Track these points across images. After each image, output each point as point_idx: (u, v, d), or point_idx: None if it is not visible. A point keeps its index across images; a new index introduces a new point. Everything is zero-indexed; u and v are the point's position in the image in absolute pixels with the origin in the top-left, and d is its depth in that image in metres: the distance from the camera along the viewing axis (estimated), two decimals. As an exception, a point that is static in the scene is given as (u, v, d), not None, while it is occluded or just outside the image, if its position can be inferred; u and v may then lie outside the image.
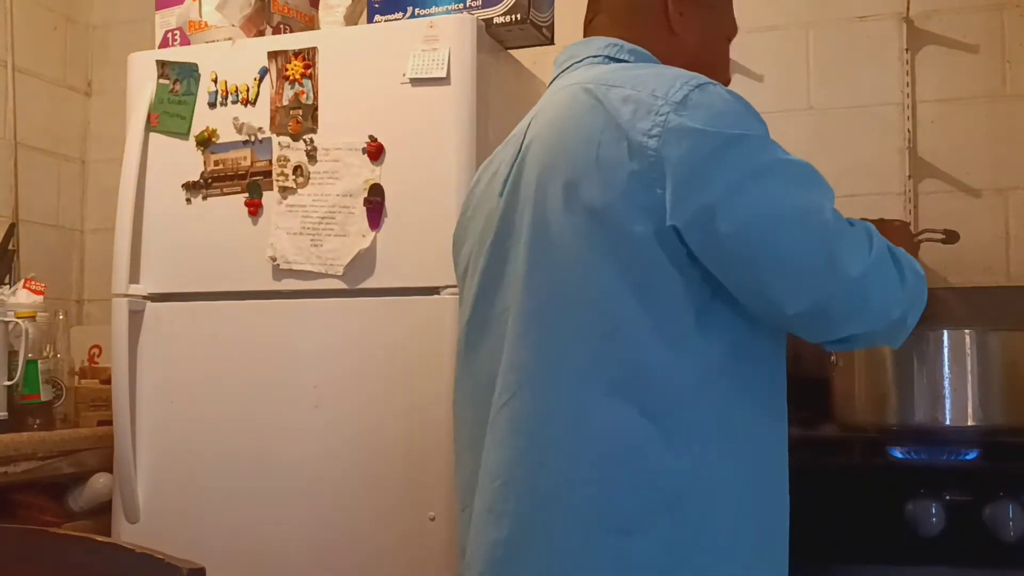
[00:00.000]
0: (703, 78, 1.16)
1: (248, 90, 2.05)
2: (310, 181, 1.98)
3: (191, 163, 2.09)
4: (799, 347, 1.89)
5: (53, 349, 2.23)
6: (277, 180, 2.01)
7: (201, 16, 2.20)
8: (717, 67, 1.31)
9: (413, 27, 1.95)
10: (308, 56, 2.01)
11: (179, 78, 2.11)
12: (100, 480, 2.16)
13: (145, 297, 2.10)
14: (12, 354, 2.10)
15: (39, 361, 2.15)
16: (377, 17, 2.09)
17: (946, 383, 1.61)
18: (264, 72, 2.04)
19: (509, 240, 1.24)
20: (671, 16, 1.28)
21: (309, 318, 1.97)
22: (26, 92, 2.76)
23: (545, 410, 1.16)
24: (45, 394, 2.16)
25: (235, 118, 2.06)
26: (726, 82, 1.30)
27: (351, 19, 2.16)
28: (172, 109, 2.11)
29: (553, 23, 2.08)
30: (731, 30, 1.38)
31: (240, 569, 1.91)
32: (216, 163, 2.07)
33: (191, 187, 2.09)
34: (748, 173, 1.09)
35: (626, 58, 1.27)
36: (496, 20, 1.99)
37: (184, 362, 2.06)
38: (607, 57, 1.28)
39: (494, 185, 1.31)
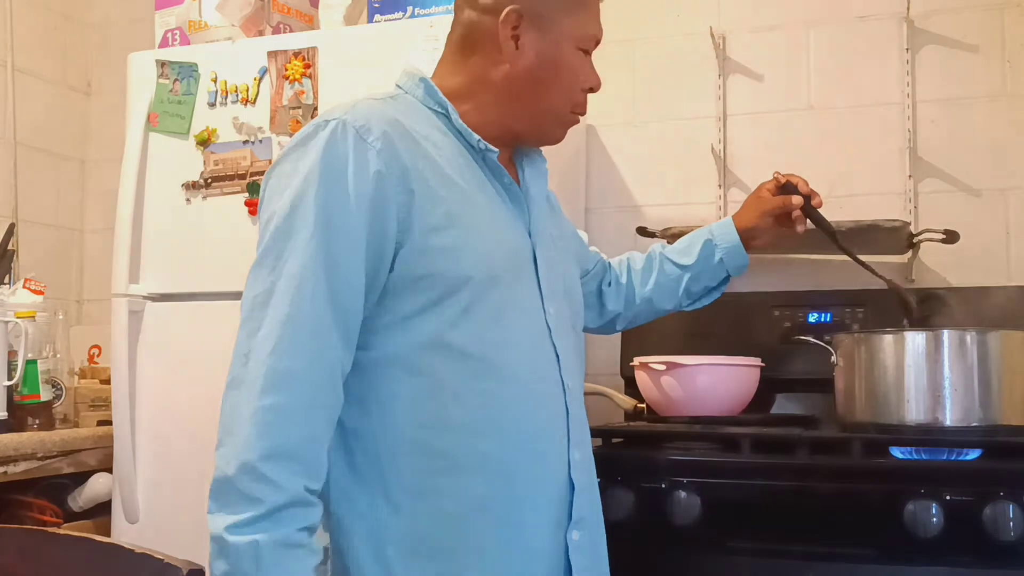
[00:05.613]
0: (312, 130, 1.17)
1: (248, 90, 2.05)
2: (310, 181, 1.98)
3: (191, 163, 2.09)
4: (798, 345, 1.89)
5: (53, 349, 2.23)
6: (277, 180, 2.00)
7: (201, 16, 2.20)
8: (560, 81, 1.28)
9: (413, 27, 1.95)
10: (308, 56, 2.00)
11: (179, 78, 2.11)
12: (100, 480, 2.16)
13: (145, 297, 2.10)
14: (12, 354, 2.10)
15: (39, 361, 2.15)
16: (377, 17, 2.08)
17: (946, 383, 1.61)
18: (264, 72, 2.04)
19: None
20: (503, 44, 1.26)
21: (309, 318, 1.96)
22: (26, 92, 2.75)
23: None
24: (45, 394, 2.16)
25: (235, 118, 2.05)
26: (580, 90, 1.31)
27: (351, 19, 2.16)
28: (172, 109, 2.11)
29: (553, 23, 2.07)
30: (587, 40, 1.31)
31: (240, 569, 1.90)
32: (216, 163, 2.07)
33: (191, 187, 2.09)
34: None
35: (403, 83, 1.30)
36: (496, 20, 1.98)
37: (184, 362, 2.06)
38: (397, 86, 1.31)
39: None
